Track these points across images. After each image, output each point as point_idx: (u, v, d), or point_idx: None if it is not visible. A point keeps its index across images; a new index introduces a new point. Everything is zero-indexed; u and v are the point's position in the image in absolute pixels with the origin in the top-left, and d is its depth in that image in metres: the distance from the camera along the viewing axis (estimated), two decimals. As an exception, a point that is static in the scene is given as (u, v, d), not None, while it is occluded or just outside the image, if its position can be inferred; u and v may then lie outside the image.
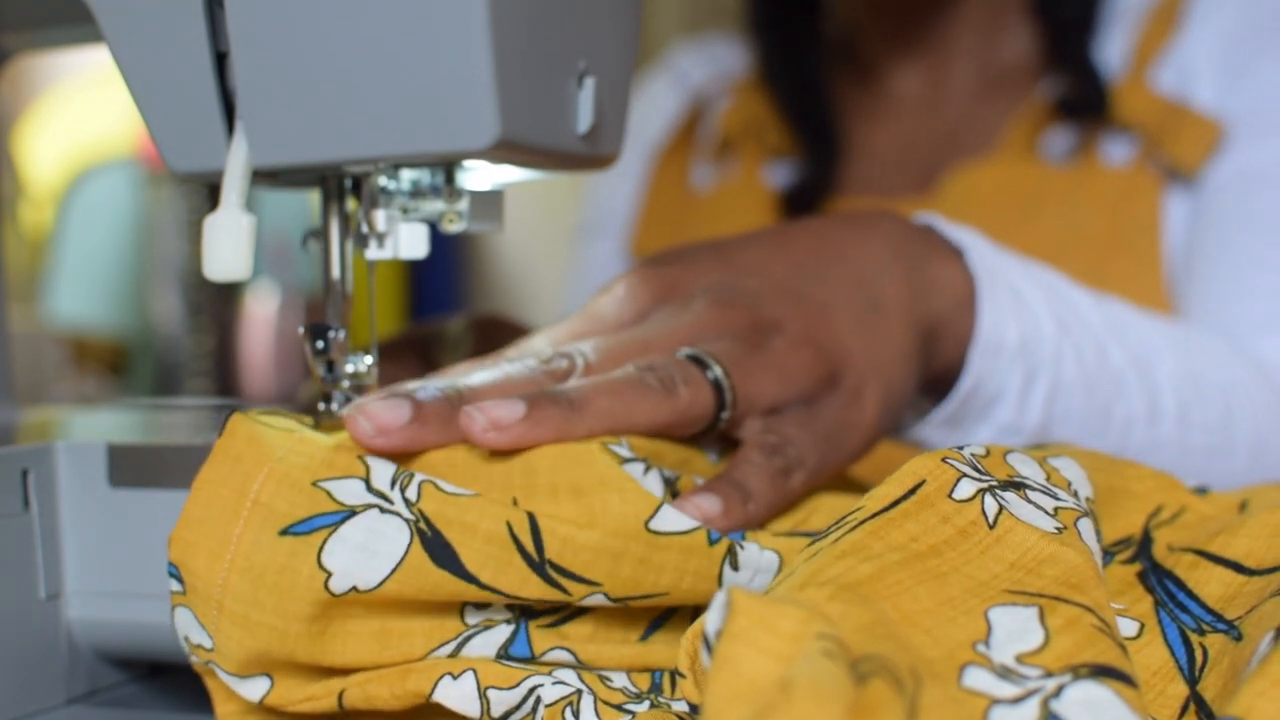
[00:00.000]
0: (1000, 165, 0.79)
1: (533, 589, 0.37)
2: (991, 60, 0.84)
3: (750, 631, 0.28)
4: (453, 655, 0.38)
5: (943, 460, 0.37)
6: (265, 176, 0.44)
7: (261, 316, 2.01)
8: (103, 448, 0.44)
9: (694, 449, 0.44)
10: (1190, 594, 0.38)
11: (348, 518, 0.36)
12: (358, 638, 0.38)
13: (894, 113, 0.87)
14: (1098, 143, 0.77)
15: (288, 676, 0.38)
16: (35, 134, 2.11)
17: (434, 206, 0.44)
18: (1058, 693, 0.29)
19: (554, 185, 1.86)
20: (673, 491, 0.41)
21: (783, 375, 0.45)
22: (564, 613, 0.39)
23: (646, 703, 0.38)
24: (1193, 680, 0.36)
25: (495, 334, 0.65)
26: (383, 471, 0.38)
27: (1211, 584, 0.38)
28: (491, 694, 0.37)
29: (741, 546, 0.39)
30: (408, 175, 0.44)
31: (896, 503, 0.36)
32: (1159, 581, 0.39)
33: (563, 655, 0.39)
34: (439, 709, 0.37)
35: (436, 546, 0.36)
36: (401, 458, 0.39)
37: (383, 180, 0.44)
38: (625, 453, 0.40)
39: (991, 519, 0.35)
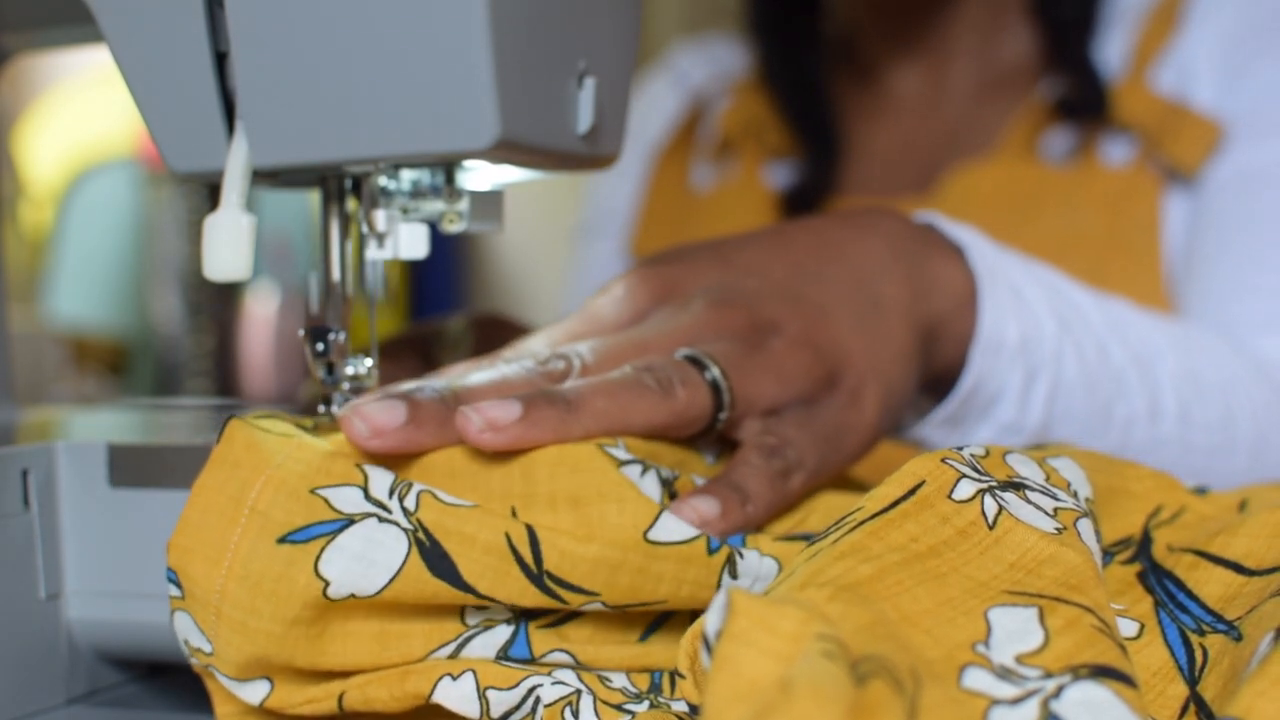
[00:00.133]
0: (1000, 165, 0.79)
1: (530, 599, 0.37)
2: (991, 60, 0.84)
3: (750, 632, 0.28)
4: (452, 656, 0.38)
5: (942, 461, 0.37)
6: (265, 176, 0.44)
7: (261, 316, 2.01)
8: (103, 448, 0.44)
9: (690, 451, 0.44)
10: (1190, 594, 0.38)
11: (345, 526, 0.36)
12: (357, 639, 0.38)
13: (894, 113, 0.87)
14: (1097, 143, 0.77)
15: (287, 679, 0.38)
16: (35, 134, 2.11)
17: (434, 206, 0.44)
18: (1058, 693, 0.29)
19: (554, 185, 1.86)
20: (670, 492, 0.41)
21: (781, 376, 0.45)
22: (563, 613, 0.39)
23: (646, 703, 0.38)
24: (1193, 681, 0.36)
25: (496, 333, 0.65)
26: (381, 480, 0.38)
27: (1211, 584, 0.38)
28: (491, 694, 0.37)
29: (741, 555, 0.39)
30: (408, 175, 0.44)
31: (896, 503, 0.36)
32: (1159, 582, 0.39)
33: (562, 657, 0.39)
34: (439, 710, 0.37)
35: (435, 556, 0.36)
36: (400, 460, 0.39)
37: (383, 180, 0.44)
38: (622, 455, 0.40)
39: (991, 519, 0.35)
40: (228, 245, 0.41)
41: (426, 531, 0.36)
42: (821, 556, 0.34)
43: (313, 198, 0.49)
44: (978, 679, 0.30)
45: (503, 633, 0.38)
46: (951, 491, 0.36)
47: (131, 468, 0.44)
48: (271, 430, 0.39)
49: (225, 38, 0.41)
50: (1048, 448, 0.44)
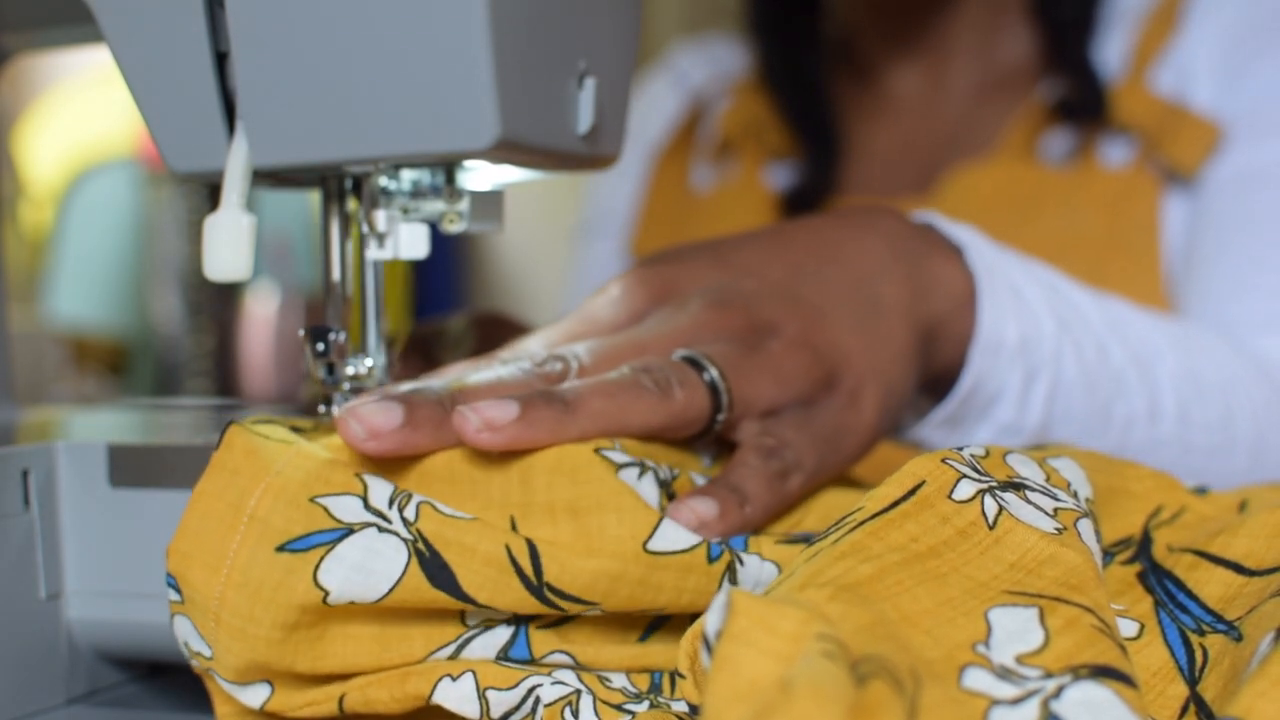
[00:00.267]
0: (999, 166, 0.79)
1: (530, 608, 0.37)
2: (991, 61, 0.84)
3: (750, 632, 0.28)
4: (452, 657, 0.38)
5: (942, 461, 0.37)
6: (265, 176, 0.44)
7: (261, 316, 2.01)
8: (103, 448, 0.44)
9: (687, 453, 0.44)
10: (1190, 594, 0.38)
11: (345, 536, 0.36)
12: (357, 641, 0.38)
13: (894, 113, 0.87)
14: (1096, 144, 0.77)
15: (287, 683, 0.38)
16: (35, 134, 2.11)
17: (434, 206, 0.44)
18: (1058, 693, 0.29)
19: (554, 185, 1.86)
20: (669, 493, 0.41)
21: (779, 377, 0.44)
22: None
23: (646, 703, 0.38)
24: (1193, 681, 0.36)
25: (496, 332, 0.65)
26: (381, 490, 0.38)
27: (1211, 584, 0.38)
28: (491, 695, 0.37)
29: (741, 562, 0.39)
30: (408, 175, 0.44)
31: (896, 503, 0.36)
32: (1159, 582, 0.39)
33: (562, 658, 0.39)
34: (439, 711, 0.37)
35: (435, 567, 0.36)
36: (399, 463, 0.39)
37: (383, 180, 0.44)
38: (619, 457, 0.40)
39: (991, 520, 0.35)
40: (228, 245, 0.41)
41: (426, 542, 0.36)
42: (821, 557, 0.34)
43: (313, 198, 0.49)
44: (978, 679, 0.30)
45: (503, 633, 0.38)
46: (952, 492, 0.36)
47: (132, 468, 0.44)
48: (271, 436, 0.38)
49: (225, 38, 0.41)
50: (1048, 448, 0.44)
